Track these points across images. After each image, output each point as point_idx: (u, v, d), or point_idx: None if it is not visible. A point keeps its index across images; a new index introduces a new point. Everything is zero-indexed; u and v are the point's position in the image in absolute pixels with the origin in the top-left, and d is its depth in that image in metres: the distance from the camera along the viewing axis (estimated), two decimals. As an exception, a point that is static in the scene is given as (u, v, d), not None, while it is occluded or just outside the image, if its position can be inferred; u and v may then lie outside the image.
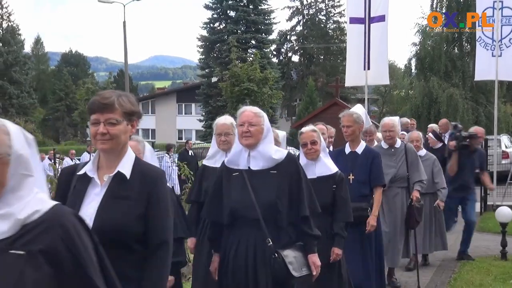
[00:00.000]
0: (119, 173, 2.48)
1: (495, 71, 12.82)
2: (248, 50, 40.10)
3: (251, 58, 32.58)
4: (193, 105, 51.03)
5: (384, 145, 6.36)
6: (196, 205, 4.62)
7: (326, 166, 4.52)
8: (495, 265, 7.43)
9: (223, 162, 3.77)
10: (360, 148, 5.41)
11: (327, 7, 50.66)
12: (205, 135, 36.66)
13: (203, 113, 41.63)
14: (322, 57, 51.40)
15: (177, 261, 3.55)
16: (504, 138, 19.81)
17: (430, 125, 11.69)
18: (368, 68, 13.08)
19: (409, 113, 29.42)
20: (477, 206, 12.11)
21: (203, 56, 42.85)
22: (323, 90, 43.75)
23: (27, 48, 62.89)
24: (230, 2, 41.13)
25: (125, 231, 2.41)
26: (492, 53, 12.88)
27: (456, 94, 28.56)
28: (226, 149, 4.44)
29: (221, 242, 3.67)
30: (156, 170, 2.60)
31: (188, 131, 50.21)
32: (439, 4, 31.09)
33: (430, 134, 9.28)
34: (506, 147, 18.90)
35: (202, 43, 42.51)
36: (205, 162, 4.76)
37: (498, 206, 9.58)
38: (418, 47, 32.03)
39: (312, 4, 50.56)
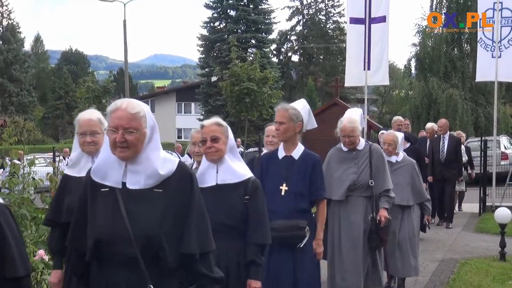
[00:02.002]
0: None
1: (495, 72, 12.82)
2: (248, 50, 40.13)
3: (251, 58, 32.60)
4: (192, 104, 51.09)
5: (344, 148, 5.31)
6: (58, 227, 3.57)
7: (233, 171, 3.46)
8: (494, 266, 7.43)
9: (89, 170, 2.68)
10: (297, 152, 4.41)
11: (327, 7, 50.73)
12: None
13: (203, 112, 41.63)
14: (321, 57, 51.43)
15: None
16: (503, 139, 19.83)
17: (427, 125, 11.67)
18: (368, 69, 13.09)
19: (409, 113, 29.48)
20: (476, 207, 12.19)
21: (203, 55, 42.87)
22: (323, 90, 43.79)
23: (27, 46, 63.13)
24: (230, 1, 41.13)
25: None
26: (492, 54, 12.89)
27: (455, 95, 28.61)
28: (93, 152, 3.54)
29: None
30: None
31: (187, 130, 50.16)
32: (439, 4, 31.15)
33: None
34: (505, 148, 18.93)
35: (202, 42, 42.54)
36: (67, 170, 3.73)
37: (497, 207, 9.58)
38: (418, 48, 32.11)
39: (312, 4, 50.62)
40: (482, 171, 12.38)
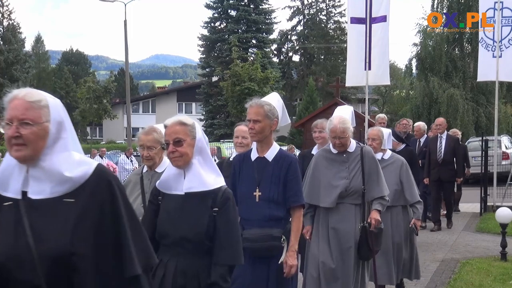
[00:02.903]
0: None
1: (495, 71, 12.82)
2: (249, 50, 40.21)
3: (252, 58, 32.66)
4: (193, 104, 51.20)
5: (334, 150, 4.82)
6: None
7: (201, 178, 2.91)
8: (495, 266, 7.42)
9: None
10: (271, 153, 3.92)
11: (327, 7, 50.76)
12: (205, 135, 36.80)
13: (204, 113, 41.69)
14: (322, 57, 51.46)
15: None
16: (504, 139, 19.82)
17: (417, 123, 11.56)
18: (369, 68, 13.08)
19: (409, 113, 29.51)
20: (477, 207, 12.18)
21: (204, 55, 42.95)
22: (324, 90, 43.83)
23: (28, 47, 63.08)
24: (231, 1, 41.19)
25: None
26: (493, 54, 12.88)
27: (456, 95, 28.60)
28: None
29: None
30: None
31: (188, 130, 50.33)
32: (439, 4, 31.15)
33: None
34: (506, 148, 18.92)
35: (203, 42, 42.61)
36: None
37: (498, 206, 9.57)
38: (419, 48, 32.09)
39: (312, 4, 50.65)
40: (483, 171, 12.36)
